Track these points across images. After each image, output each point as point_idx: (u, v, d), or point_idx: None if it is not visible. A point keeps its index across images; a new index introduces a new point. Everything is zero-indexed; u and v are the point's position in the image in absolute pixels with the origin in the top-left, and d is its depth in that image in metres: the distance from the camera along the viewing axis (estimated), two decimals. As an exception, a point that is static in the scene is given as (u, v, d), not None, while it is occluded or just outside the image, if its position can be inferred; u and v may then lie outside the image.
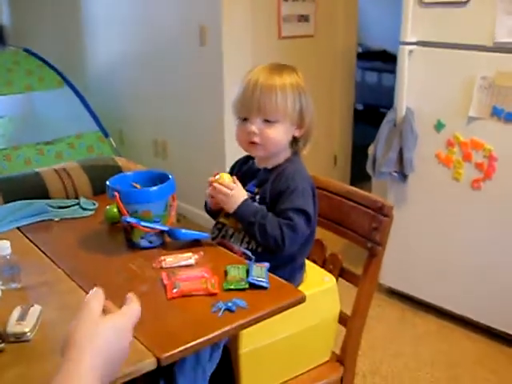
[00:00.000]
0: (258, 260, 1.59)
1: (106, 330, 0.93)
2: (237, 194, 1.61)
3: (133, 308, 1.00)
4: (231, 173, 1.78)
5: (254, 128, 1.62)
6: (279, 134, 1.63)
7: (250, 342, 1.54)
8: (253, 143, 1.64)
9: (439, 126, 2.76)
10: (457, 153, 2.73)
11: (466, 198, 2.75)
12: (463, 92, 2.64)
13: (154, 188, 1.57)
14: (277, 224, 1.58)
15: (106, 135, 3.98)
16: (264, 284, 1.37)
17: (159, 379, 1.53)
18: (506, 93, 2.52)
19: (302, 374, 1.72)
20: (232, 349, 1.55)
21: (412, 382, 2.58)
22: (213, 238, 1.75)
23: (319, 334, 1.71)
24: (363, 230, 1.70)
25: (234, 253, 1.64)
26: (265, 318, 1.30)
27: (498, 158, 2.61)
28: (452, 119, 2.72)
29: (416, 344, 2.85)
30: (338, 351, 1.83)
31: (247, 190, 1.68)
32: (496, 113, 2.57)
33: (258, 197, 1.67)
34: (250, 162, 1.78)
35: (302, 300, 1.34)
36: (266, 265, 1.46)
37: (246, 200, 1.62)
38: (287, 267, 1.68)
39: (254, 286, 1.37)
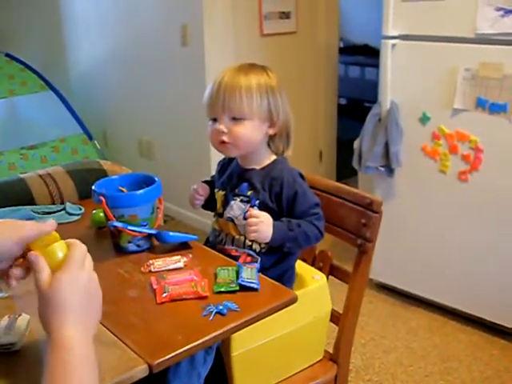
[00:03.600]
0: (263, 260, 1.62)
1: (57, 291, 0.97)
2: (266, 220, 1.58)
3: (75, 252, 1.04)
4: (220, 174, 1.79)
5: (221, 127, 1.60)
6: (248, 131, 1.61)
7: (242, 344, 1.53)
8: (223, 142, 1.63)
9: (424, 119, 2.76)
10: (443, 145, 2.73)
11: (454, 190, 2.75)
12: (447, 84, 2.64)
13: (141, 191, 1.54)
14: (309, 223, 1.62)
15: (90, 138, 3.95)
16: (255, 285, 1.35)
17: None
18: (490, 84, 2.52)
19: (295, 373, 1.71)
20: (224, 351, 1.54)
21: (405, 377, 2.58)
22: (211, 243, 1.74)
23: (311, 332, 1.69)
24: (352, 227, 1.69)
25: (236, 256, 1.64)
26: (257, 320, 1.28)
27: (483, 149, 2.61)
28: (437, 112, 2.71)
29: (408, 338, 2.85)
30: (330, 349, 1.82)
31: (239, 194, 1.67)
32: (480, 104, 2.57)
33: (256, 201, 1.64)
34: (233, 162, 1.76)
35: (293, 300, 1.33)
36: (256, 266, 1.45)
37: (273, 221, 1.60)
38: (284, 265, 1.69)
39: (244, 288, 1.35)
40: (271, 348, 1.60)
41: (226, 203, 1.70)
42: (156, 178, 1.61)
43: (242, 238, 1.66)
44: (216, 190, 1.76)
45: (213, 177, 1.85)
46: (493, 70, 2.50)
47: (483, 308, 2.82)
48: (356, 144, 2.99)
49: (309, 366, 1.74)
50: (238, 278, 1.38)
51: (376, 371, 2.63)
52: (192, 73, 3.64)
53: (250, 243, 1.65)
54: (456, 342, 2.82)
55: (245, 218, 1.62)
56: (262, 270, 1.55)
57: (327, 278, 1.77)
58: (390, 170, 2.89)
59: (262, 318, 1.29)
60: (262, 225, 1.56)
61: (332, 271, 1.80)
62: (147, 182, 1.61)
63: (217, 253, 1.59)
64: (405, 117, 2.81)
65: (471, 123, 2.62)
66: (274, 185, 1.64)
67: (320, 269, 1.76)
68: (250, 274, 1.39)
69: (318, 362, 1.77)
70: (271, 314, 1.31)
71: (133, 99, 4.25)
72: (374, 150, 2.84)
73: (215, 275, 1.41)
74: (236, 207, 1.66)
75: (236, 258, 1.63)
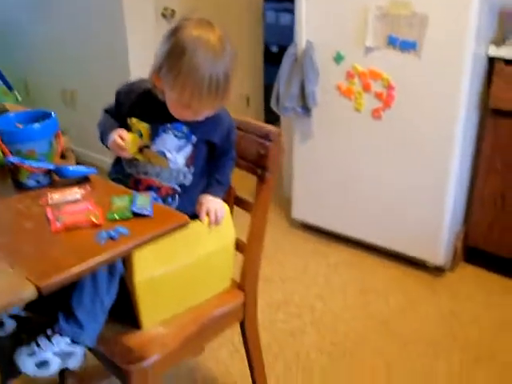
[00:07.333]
0: (187, 194, 1.68)
1: None
2: (212, 202, 1.70)
3: None
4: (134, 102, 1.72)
5: (191, 114, 1.60)
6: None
7: (145, 272, 1.56)
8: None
9: (339, 58, 2.79)
10: (357, 84, 2.78)
11: (368, 127, 2.82)
12: (359, 22, 2.68)
13: (36, 125, 1.54)
14: (230, 159, 1.75)
15: (10, 88, 3.86)
16: (147, 212, 1.37)
17: (58, 313, 1.54)
18: (400, 22, 2.57)
19: (203, 302, 1.76)
20: (127, 279, 1.56)
21: (324, 309, 2.68)
22: (128, 175, 1.72)
23: (217, 261, 1.73)
24: (253, 157, 1.73)
25: (157, 187, 1.67)
26: (147, 243, 1.31)
27: (395, 86, 2.67)
28: (350, 50, 2.75)
29: (328, 274, 2.95)
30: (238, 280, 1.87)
31: (172, 128, 1.65)
32: (391, 42, 2.62)
33: (193, 136, 1.65)
34: (151, 96, 1.66)
35: (185, 223, 1.36)
36: (152, 194, 1.48)
37: (212, 192, 1.72)
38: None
39: (138, 215, 1.38)
40: (177, 276, 1.64)
41: (153, 135, 1.66)
42: (52, 113, 1.61)
43: (170, 171, 1.67)
44: (135, 120, 1.67)
45: (119, 103, 1.76)
46: (402, 8, 2.55)
47: (400, 243, 2.93)
48: (275, 86, 3.01)
49: (216, 295, 1.80)
50: (132, 205, 1.40)
51: (296, 304, 2.72)
52: (111, 20, 3.58)
53: (176, 175, 1.68)
54: (374, 275, 2.93)
55: (178, 152, 1.65)
56: (190, 202, 1.67)
57: (232, 209, 1.81)
58: (307, 110, 2.93)
59: (153, 241, 1.32)
60: (218, 209, 1.68)
61: (237, 203, 1.84)
62: (44, 118, 1.61)
63: (116, 184, 1.61)
64: (320, 56, 2.84)
65: (383, 61, 2.68)
66: (212, 119, 1.65)
67: (225, 201, 1.79)
68: (144, 201, 1.41)
69: (225, 291, 1.82)
70: (162, 237, 1.34)
71: (54, 47, 4.14)
72: (291, 91, 2.87)
73: (111, 204, 1.43)
74: (170, 141, 1.65)
75: (156, 189, 1.67)
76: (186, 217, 1.38)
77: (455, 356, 2.38)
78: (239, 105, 4.30)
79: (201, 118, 1.61)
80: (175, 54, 1.50)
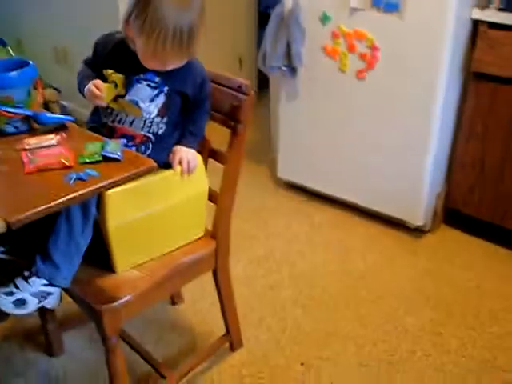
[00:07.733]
0: (161, 143, 1.74)
1: None
2: (184, 151, 1.75)
3: None
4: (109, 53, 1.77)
5: (158, 64, 1.66)
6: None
7: (118, 217, 1.62)
8: None
9: (325, 19, 2.82)
10: (342, 44, 2.81)
11: (352, 88, 2.85)
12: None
13: (13, 73, 1.59)
14: (205, 113, 1.81)
15: (4, 44, 3.88)
16: (117, 156, 1.44)
17: (35, 256, 1.60)
18: (385, -18, 2.59)
19: (176, 249, 1.83)
20: (101, 223, 1.62)
21: (304, 265, 2.75)
22: (104, 124, 1.77)
23: (189, 209, 1.80)
24: (226, 110, 1.79)
25: (133, 137, 1.72)
26: (116, 185, 1.38)
27: (379, 47, 2.70)
28: (336, 11, 2.77)
29: (310, 232, 3.01)
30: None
31: (145, 79, 1.71)
32: (376, 3, 2.63)
33: (165, 88, 1.71)
34: (126, 46, 1.71)
35: (152, 169, 1.42)
36: (122, 141, 1.54)
37: (186, 143, 1.77)
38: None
39: (108, 159, 1.44)
40: (149, 222, 1.70)
41: (128, 85, 1.71)
42: (30, 62, 1.66)
43: (143, 120, 1.73)
44: (110, 72, 1.71)
45: (97, 54, 1.82)
46: (389, -31, 2.57)
47: (382, 203, 2.99)
48: (261, 46, 3.04)
49: (189, 243, 1.86)
50: (103, 150, 1.46)
51: (277, 260, 2.78)
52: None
53: (149, 124, 1.73)
54: (356, 235, 2.99)
55: (150, 101, 1.71)
56: (163, 152, 1.73)
57: (206, 162, 1.86)
58: (292, 70, 2.96)
59: (121, 184, 1.39)
60: (190, 158, 1.73)
61: (212, 155, 1.89)
62: (23, 66, 1.65)
63: (91, 133, 1.66)
64: (306, 17, 2.86)
65: (368, 22, 2.70)
66: (184, 70, 1.71)
67: (199, 152, 1.83)
68: (114, 146, 1.47)
69: (198, 239, 1.89)
70: (130, 181, 1.40)
71: (46, 5, 4.15)
72: (277, 51, 2.90)
73: (83, 149, 1.49)
74: (143, 91, 1.72)
75: (130, 138, 1.72)
76: (154, 162, 1.44)
77: (426, 314, 2.45)
78: (232, 66, 4.33)
79: (169, 68, 1.67)
80: (142, 2, 1.55)
